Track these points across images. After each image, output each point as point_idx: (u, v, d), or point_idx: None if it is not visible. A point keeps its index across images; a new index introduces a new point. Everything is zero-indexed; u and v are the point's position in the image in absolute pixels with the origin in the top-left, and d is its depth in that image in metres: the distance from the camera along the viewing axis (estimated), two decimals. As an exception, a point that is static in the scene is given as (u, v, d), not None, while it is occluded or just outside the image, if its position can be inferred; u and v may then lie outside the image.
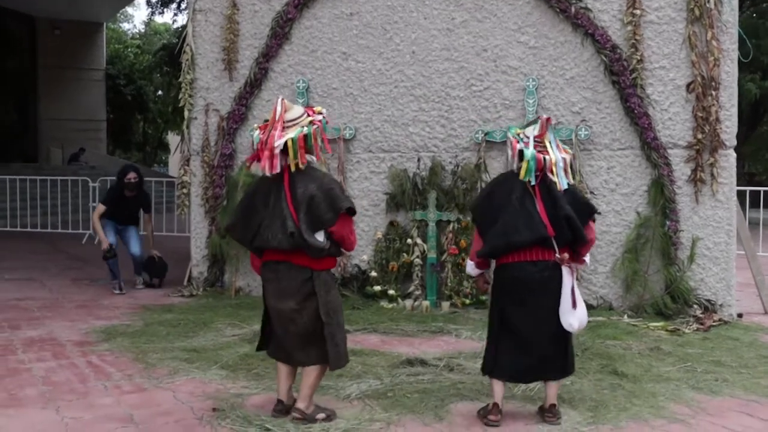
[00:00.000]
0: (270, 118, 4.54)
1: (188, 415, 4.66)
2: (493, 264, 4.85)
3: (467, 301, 8.17)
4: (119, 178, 9.45)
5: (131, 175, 9.35)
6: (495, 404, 4.60)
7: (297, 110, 4.62)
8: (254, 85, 8.98)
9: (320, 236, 4.43)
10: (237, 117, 9.03)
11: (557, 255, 4.56)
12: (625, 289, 7.90)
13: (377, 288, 8.33)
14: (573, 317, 4.54)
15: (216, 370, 5.66)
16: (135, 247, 9.54)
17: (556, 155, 4.67)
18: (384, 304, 8.19)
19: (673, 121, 7.88)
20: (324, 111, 4.72)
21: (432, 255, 8.35)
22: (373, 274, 8.42)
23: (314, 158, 4.59)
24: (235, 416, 4.57)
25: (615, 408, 4.85)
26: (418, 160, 8.49)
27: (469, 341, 6.79)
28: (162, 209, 16.30)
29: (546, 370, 4.64)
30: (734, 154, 7.88)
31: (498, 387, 4.64)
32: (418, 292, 8.32)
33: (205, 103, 9.21)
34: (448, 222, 8.34)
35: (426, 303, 8.17)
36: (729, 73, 7.76)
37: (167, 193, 17.43)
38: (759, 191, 13.58)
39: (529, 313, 4.58)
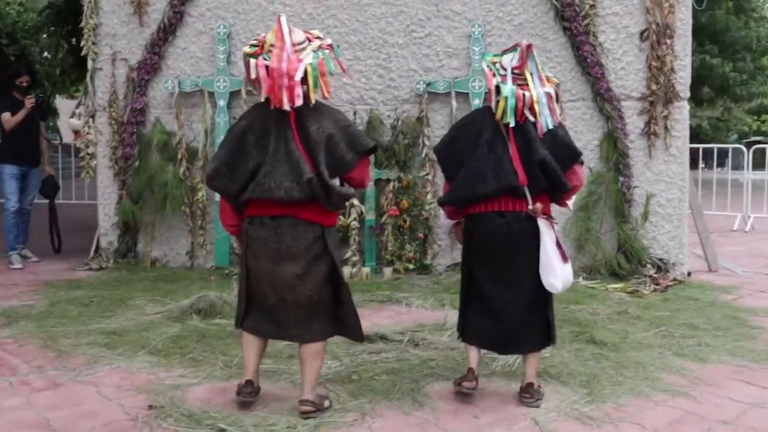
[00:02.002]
0: (270, 40, 3.71)
1: (119, 416, 3.83)
2: None
3: (410, 267, 7.57)
4: (8, 81, 8.24)
5: (23, 78, 8.26)
6: (470, 369, 4.04)
7: (299, 33, 3.81)
8: (168, 31, 7.99)
9: (336, 182, 3.72)
10: (149, 67, 8.03)
11: (529, 206, 3.95)
12: (577, 249, 7.45)
13: (311, 255, 7.59)
14: (555, 277, 3.94)
15: (144, 356, 4.83)
16: (28, 198, 8.46)
17: (538, 90, 4.00)
18: (319, 272, 7.48)
19: (626, 71, 7.44)
20: (323, 35, 3.92)
21: (370, 217, 7.69)
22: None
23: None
24: (178, 414, 3.77)
25: (608, 382, 4.35)
26: (354, 113, 7.75)
27: (422, 311, 6.20)
28: (58, 177, 15.01)
29: (521, 339, 4.06)
30: (687, 107, 7.53)
31: (472, 351, 4.10)
32: (356, 258, 7.66)
33: (111, 52, 8.16)
34: (388, 181, 7.67)
35: (366, 270, 7.52)
36: (683, 20, 7.36)
37: (63, 160, 16.11)
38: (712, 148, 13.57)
39: (499, 272, 4.01)
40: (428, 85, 7.62)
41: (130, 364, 4.67)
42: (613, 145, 7.40)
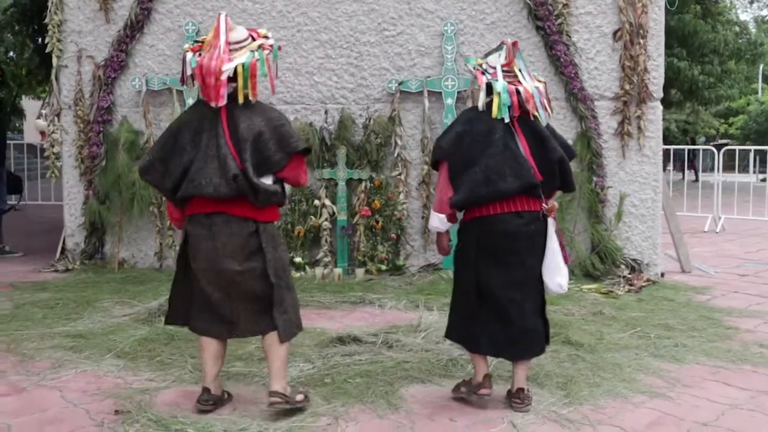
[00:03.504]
0: (209, 37, 3.67)
1: (84, 422, 3.71)
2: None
3: (383, 267, 7.47)
4: None
5: None
6: (486, 375, 3.94)
7: (241, 31, 3.77)
8: (135, 27, 7.82)
9: (268, 180, 3.65)
10: (115, 65, 7.85)
11: (545, 205, 3.89)
12: (551, 251, 7.39)
13: (283, 256, 7.46)
14: (563, 277, 3.92)
15: (111, 359, 4.70)
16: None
17: (530, 84, 3.95)
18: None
19: (600, 71, 7.41)
20: (270, 35, 3.87)
21: (342, 217, 7.58)
22: (278, 240, 7.54)
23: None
24: (145, 419, 3.66)
25: (585, 384, 4.29)
26: (326, 112, 7.65)
27: (395, 312, 6.11)
28: (23, 178, 14.73)
29: (530, 344, 3.95)
30: (661, 107, 7.52)
31: (481, 359, 3.97)
32: (327, 259, 7.55)
33: (77, 49, 7.96)
34: (360, 181, 7.57)
35: (338, 271, 7.41)
36: (656, 20, 7.35)
37: (28, 161, 15.82)
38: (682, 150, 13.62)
39: (512, 276, 3.87)
40: (400, 84, 7.53)
41: (97, 368, 4.54)
42: (587, 145, 7.36)
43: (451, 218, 4.04)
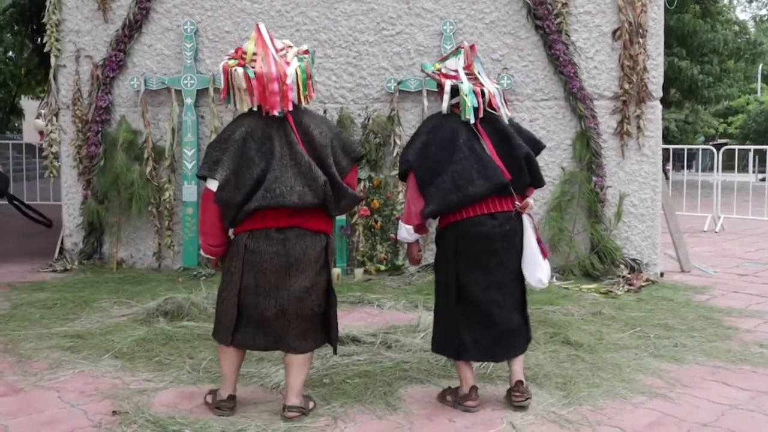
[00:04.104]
0: (253, 48, 3.64)
1: (81, 422, 3.69)
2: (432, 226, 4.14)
3: (382, 267, 7.47)
4: None
5: None
6: (473, 387, 3.90)
7: (278, 41, 3.77)
8: (133, 27, 7.81)
9: None
10: (114, 64, 7.83)
11: (517, 203, 3.89)
12: (550, 250, 7.34)
13: (281, 256, 7.44)
14: (542, 272, 3.93)
15: (109, 360, 4.68)
16: None
17: (491, 85, 3.98)
18: (290, 273, 7.33)
19: (599, 71, 7.40)
20: (299, 46, 3.88)
21: (341, 217, 7.56)
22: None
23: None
24: (143, 420, 3.64)
25: (585, 384, 4.27)
26: (324, 112, 7.62)
27: (394, 312, 6.09)
28: (21, 178, 14.71)
29: (515, 343, 3.97)
30: (660, 106, 7.51)
31: (467, 368, 3.94)
32: (326, 259, 7.52)
33: (75, 49, 7.94)
34: (359, 180, 7.54)
35: (336, 271, 7.39)
36: (656, 19, 7.34)
37: (27, 161, 15.77)
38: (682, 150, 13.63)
39: (492, 277, 3.87)
40: (399, 83, 7.52)
41: (94, 369, 4.52)
42: (586, 144, 7.36)
43: (420, 229, 4.05)
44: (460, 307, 3.89)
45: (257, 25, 3.73)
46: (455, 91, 3.91)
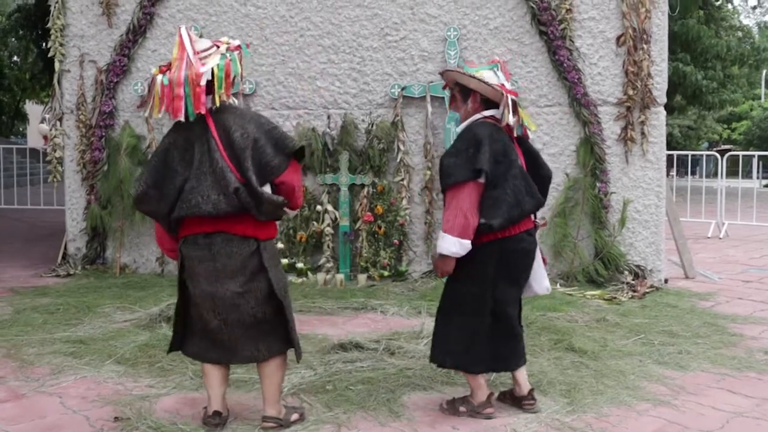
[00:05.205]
0: (176, 53, 3.51)
1: (83, 428, 3.68)
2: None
3: (385, 273, 7.44)
4: None
5: None
6: (491, 394, 3.94)
7: (205, 41, 3.63)
8: (138, 32, 7.82)
9: (267, 190, 3.51)
10: (118, 69, 7.84)
11: (538, 220, 3.98)
12: (554, 256, 7.38)
13: (284, 261, 7.43)
14: (546, 279, 4.05)
15: (111, 365, 4.67)
16: None
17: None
18: (293, 279, 7.32)
19: (603, 76, 7.38)
20: (231, 42, 3.68)
21: (345, 223, 7.55)
22: (279, 245, 7.51)
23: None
24: (145, 426, 3.63)
25: (589, 391, 4.25)
26: (328, 117, 7.63)
27: (397, 318, 6.08)
28: (25, 182, 14.74)
29: (524, 352, 4.04)
30: (664, 112, 7.48)
31: (482, 377, 3.95)
32: (329, 265, 7.52)
33: (79, 54, 7.96)
34: (362, 186, 7.55)
35: (340, 276, 7.38)
36: (659, 25, 7.32)
37: (31, 166, 15.83)
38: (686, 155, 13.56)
39: (519, 292, 3.99)
40: (403, 89, 7.52)
41: (97, 374, 4.51)
42: (590, 150, 7.34)
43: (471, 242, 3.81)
44: (492, 322, 3.84)
45: (179, 27, 3.61)
46: (515, 106, 3.83)
